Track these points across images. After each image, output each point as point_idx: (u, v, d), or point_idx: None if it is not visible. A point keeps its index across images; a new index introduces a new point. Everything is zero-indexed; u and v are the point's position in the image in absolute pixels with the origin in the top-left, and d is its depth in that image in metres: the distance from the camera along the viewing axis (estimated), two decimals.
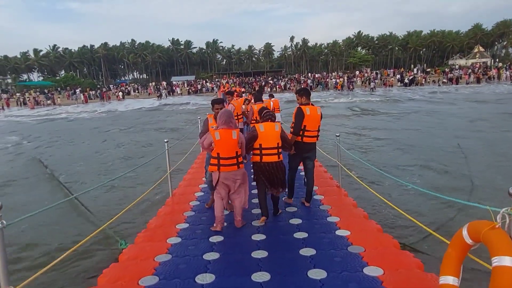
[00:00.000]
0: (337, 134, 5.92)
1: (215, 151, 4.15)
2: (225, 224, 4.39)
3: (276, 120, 4.60)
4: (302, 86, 40.11)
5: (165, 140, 5.99)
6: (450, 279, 2.18)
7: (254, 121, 6.26)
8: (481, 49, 63.54)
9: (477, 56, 61.25)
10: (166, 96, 45.55)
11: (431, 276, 2.93)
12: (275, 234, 4.07)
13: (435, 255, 4.27)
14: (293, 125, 4.80)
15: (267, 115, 4.51)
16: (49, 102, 43.65)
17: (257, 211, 4.75)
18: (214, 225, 4.29)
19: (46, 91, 52.61)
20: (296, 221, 4.41)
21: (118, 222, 6.01)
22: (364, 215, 4.61)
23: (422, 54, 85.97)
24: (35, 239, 5.83)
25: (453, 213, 5.95)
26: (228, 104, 7.12)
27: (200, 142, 4.55)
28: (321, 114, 4.95)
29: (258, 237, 3.99)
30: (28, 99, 45.22)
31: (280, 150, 4.44)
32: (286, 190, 4.80)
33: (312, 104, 4.90)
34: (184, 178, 7.12)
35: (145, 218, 5.60)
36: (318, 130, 4.93)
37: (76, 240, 4.93)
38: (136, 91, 50.61)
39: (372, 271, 3.07)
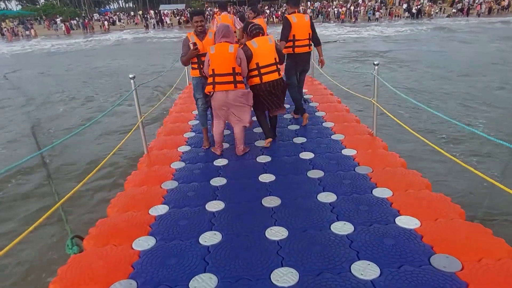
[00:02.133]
0: (376, 63, 4.25)
1: (211, 68, 3.78)
2: (227, 145, 4.35)
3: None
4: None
5: (131, 76, 4.12)
6: None
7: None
8: None
9: None
10: (154, 26, 42.45)
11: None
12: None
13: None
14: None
15: (255, 29, 4.03)
16: (27, 33, 40.02)
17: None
18: (214, 148, 4.20)
19: (25, 21, 48.52)
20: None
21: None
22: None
23: None
24: None
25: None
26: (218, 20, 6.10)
27: (183, 61, 4.20)
28: (311, 20, 4.71)
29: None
30: (5, 29, 41.20)
31: (279, 66, 4.04)
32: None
33: (299, 12, 4.68)
34: (164, 122, 5.60)
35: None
36: (310, 39, 4.69)
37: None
38: (122, 21, 46.91)
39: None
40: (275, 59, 3.99)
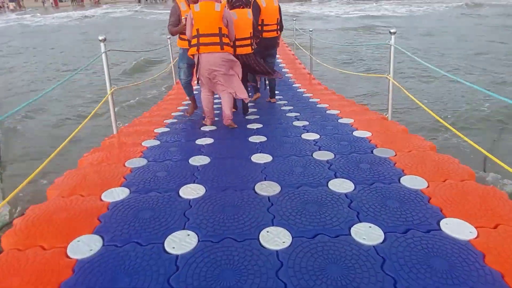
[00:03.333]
0: (393, 31, 3.76)
1: (195, 28, 3.47)
2: (216, 119, 4.05)
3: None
4: None
5: (101, 37, 3.53)
6: None
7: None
8: None
9: None
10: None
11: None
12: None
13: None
14: None
15: (238, 1, 3.90)
16: (14, 4, 37.37)
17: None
18: (204, 120, 3.95)
19: None
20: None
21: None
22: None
23: None
24: None
25: None
26: None
27: (171, 30, 3.97)
28: (279, 5, 4.76)
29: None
30: None
31: (252, 41, 4.00)
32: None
33: None
34: (144, 115, 5.02)
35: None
36: (278, 24, 4.75)
37: None
38: None
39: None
40: (250, 33, 3.94)
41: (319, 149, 3.08)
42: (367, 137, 3.31)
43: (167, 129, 3.81)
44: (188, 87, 4.27)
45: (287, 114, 4.40)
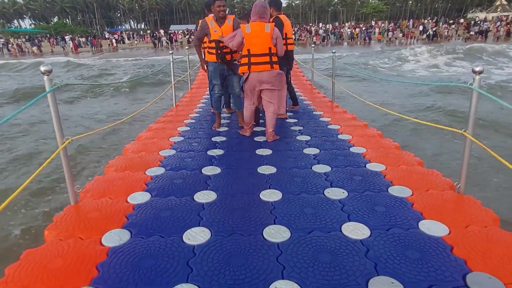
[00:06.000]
0: (478, 69, 2.35)
1: (245, 48, 3.66)
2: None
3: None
4: (314, 37, 36.81)
5: (43, 69, 2.28)
6: None
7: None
8: (504, 1, 58.50)
9: (498, 9, 56.54)
10: (162, 45, 39.56)
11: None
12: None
13: None
14: None
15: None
16: (34, 49, 38.34)
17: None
18: (243, 129, 4.15)
19: (35, 37, 47.99)
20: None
21: None
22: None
23: (438, 7, 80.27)
24: None
25: None
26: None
27: (194, 40, 4.22)
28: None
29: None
30: (12, 45, 39.68)
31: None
32: None
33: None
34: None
35: None
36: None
37: None
38: (130, 40, 45.05)
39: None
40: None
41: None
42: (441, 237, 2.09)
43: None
44: (218, 101, 4.40)
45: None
